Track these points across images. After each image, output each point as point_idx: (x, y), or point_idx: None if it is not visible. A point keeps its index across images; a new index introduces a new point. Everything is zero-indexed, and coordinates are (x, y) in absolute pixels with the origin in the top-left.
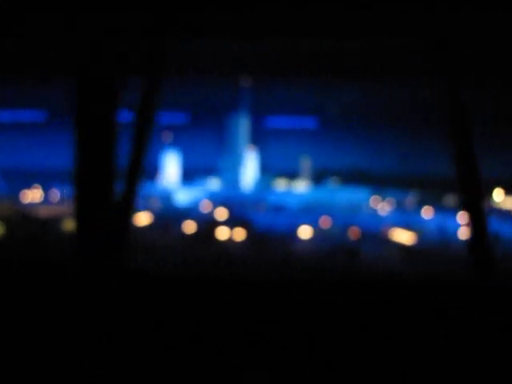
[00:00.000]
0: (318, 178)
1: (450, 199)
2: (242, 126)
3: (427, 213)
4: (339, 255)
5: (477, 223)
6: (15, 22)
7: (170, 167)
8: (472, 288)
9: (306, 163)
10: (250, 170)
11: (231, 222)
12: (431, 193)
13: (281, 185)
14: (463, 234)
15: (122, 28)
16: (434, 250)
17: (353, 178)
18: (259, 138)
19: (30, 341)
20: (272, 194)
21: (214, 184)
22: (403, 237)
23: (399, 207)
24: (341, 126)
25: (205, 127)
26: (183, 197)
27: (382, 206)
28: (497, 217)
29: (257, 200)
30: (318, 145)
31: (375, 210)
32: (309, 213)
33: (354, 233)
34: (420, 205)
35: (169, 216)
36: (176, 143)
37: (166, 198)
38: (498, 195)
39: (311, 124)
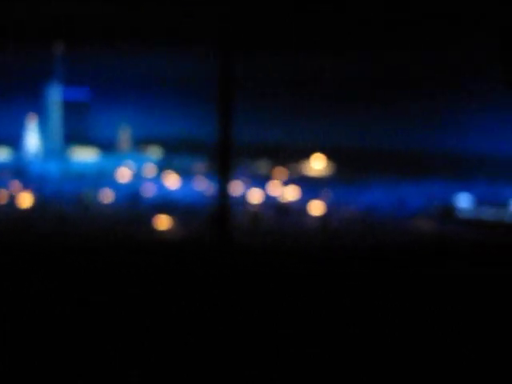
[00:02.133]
0: (141, 147)
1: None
2: (53, 96)
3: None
4: None
5: None
6: None
7: None
8: None
9: (125, 133)
10: (33, 139)
11: None
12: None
13: (79, 154)
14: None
15: None
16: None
17: (179, 146)
18: (69, 108)
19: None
20: (39, 163)
21: (2, 154)
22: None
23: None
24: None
25: (25, 97)
26: None
27: (123, 173)
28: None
29: (11, 168)
30: (140, 114)
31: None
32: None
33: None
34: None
35: None
36: None
37: None
38: (318, 162)
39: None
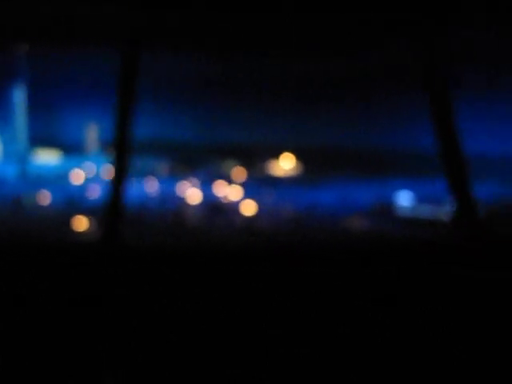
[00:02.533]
0: (109, 149)
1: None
2: (15, 97)
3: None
4: None
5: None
6: None
7: None
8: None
9: (92, 133)
10: None
11: None
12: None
13: (43, 156)
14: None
15: None
16: None
17: (148, 148)
18: (34, 110)
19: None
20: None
21: None
22: None
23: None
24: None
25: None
26: None
27: (77, 175)
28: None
29: None
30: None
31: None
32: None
33: None
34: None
35: None
36: None
37: None
38: (287, 161)
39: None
